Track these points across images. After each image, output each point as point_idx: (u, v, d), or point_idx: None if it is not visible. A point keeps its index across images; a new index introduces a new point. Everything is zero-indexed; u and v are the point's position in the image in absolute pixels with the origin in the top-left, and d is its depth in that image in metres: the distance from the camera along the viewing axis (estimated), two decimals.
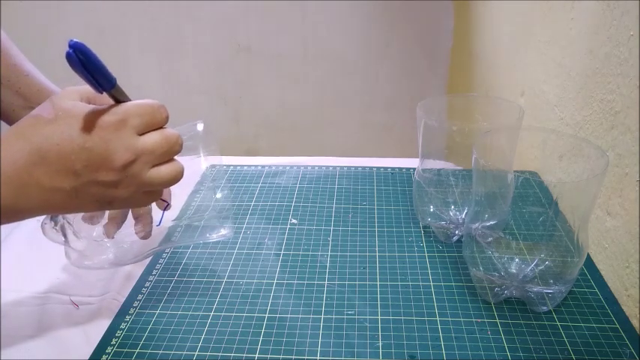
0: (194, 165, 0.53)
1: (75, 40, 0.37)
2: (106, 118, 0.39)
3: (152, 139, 0.40)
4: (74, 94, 0.41)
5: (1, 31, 0.59)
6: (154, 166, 0.41)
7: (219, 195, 0.57)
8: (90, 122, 0.38)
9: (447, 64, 1.58)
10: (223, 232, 0.55)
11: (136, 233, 0.54)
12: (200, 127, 0.52)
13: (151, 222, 0.54)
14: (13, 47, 0.59)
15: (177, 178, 0.42)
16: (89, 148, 0.38)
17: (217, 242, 0.61)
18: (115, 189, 0.40)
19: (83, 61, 0.37)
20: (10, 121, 0.59)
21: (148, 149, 0.40)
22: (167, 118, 0.42)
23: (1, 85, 0.57)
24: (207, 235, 0.56)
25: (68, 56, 0.36)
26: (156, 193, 0.44)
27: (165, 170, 0.41)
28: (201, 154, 0.53)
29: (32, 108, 0.56)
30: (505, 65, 1.00)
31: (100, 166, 0.38)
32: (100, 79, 0.38)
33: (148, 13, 1.56)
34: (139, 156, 0.39)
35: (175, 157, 0.43)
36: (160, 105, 0.41)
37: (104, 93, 0.39)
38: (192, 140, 0.51)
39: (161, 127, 0.41)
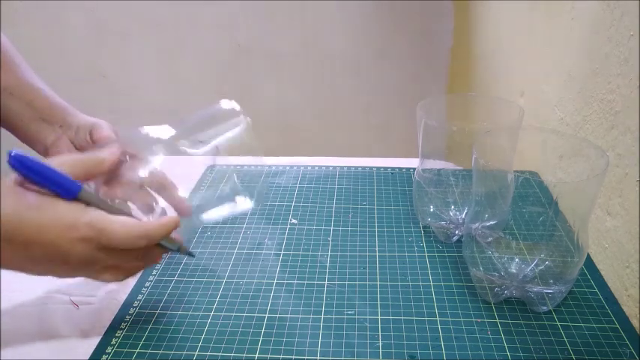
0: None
1: (15, 151, 0.38)
2: (82, 226, 0.40)
3: (115, 255, 0.43)
4: (64, 166, 0.42)
5: (7, 41, 0.59)
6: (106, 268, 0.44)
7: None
8: (67, 221, 0.40)
9: (447, 64, 1.58)
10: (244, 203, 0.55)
11: None
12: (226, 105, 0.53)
13: None
14: (20, 59, 0.59)
15: (120, 280, 0.46)
16: (57, 246, 0.40)
17: (217, 242, 0.61)
18: (65, 276, 0.44)
19: (24, 174, 0.39)
20: (18, 132, 0.59)
21: (106, 261, 0.43)
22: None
23: (11, 96, 0.57)
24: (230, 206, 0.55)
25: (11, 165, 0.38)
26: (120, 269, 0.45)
27: (117, 277, 0.45)
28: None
29: (43, 120, 0.58)
30: (505, 65, 1.00)
31: (58, 262, 0.41)
32: (54, 188, 0.40)
33: (147, 13, 1.56)
34: (93, 265, 0.42)
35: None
36: (140, 236, 0.42)
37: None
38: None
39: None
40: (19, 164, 0.39)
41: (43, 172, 0.39)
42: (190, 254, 0.50)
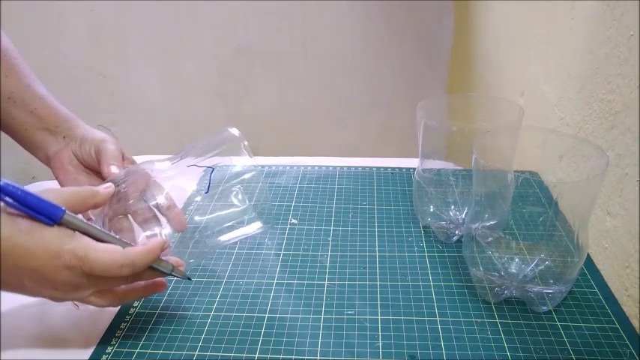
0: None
1: (3, 181, 0.38)
2: (66, 254, 0.40)
3: (101, 280, 0.43)
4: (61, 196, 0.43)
5: (13, 47, 0.58)
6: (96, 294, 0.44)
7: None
8: (52, 249, 0.40)
9: (447, 64, 1.58)
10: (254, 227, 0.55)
11: None
12: (234, 132, 0.53)
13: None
14: (25, 66, 0.59)
15: (114, 304, 0.46)
16: (42, 273, 0.40)
17: None
18: (55, 298, 0.44)
19: (6, 202, 0.39)
20: (21, 140, 0.58)
21: (92, 286, 0.43)
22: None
23: (14, 104, 0.57)
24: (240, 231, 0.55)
25: None
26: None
27: (104, 301, 0.45)
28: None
29: (46, 129, 0.57)
30: (505, 65, 1.00)
31: (46, 286, 0.41)
32: (35, 215, 0.40)
33: (148, 13, 1.56)
34: (80, 291, 0.43)
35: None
36: (124, 264, 0.42)
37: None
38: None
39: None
40: (4, 192, 0.39)
41: (24, 199, 0.39)
42: (187, 278, 0.49)
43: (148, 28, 1.58)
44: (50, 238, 0.40)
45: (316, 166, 0.79)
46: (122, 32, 1.59)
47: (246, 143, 0.53)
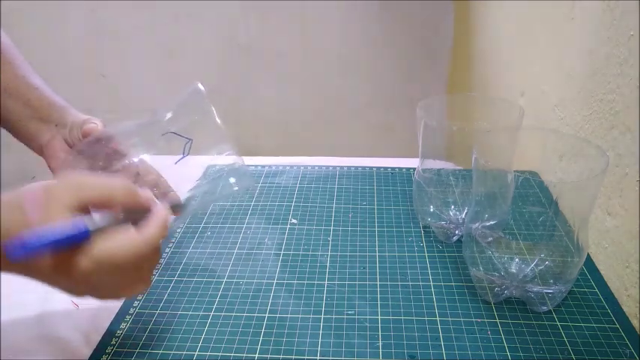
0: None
1: (9, 245, 0.34)
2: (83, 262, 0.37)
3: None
4: (71, 199, 0.38)
5: (9, 41, 0.59)
6: None
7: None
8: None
9: (447, 64, 1.58)
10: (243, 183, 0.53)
11: None
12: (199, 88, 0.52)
13: None
14: (21, 58, 0.59)
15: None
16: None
17: (217, 242, 0.61)
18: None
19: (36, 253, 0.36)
20: (16, 131, 0.59)
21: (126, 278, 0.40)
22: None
23: (9, 96, 0.57)
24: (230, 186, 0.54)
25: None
26: None
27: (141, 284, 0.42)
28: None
29: (41, 120, 0.57)
30: (505, 65, 1.00)
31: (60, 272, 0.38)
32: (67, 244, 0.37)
33: (148, 13, 1.56)
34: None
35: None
36: (146, 246, 0.39)
37: None
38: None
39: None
40: (23, 251, 0.35)
41: (50, 239, 0.36)
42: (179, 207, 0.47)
43: (148, 28, 1.58)
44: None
45: (316, 166, 0.79)
46: (122, 32, 1.59)
47: (207, 101, 0.52)
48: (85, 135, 0.56)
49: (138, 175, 0.53)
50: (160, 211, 0.42)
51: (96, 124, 0.56)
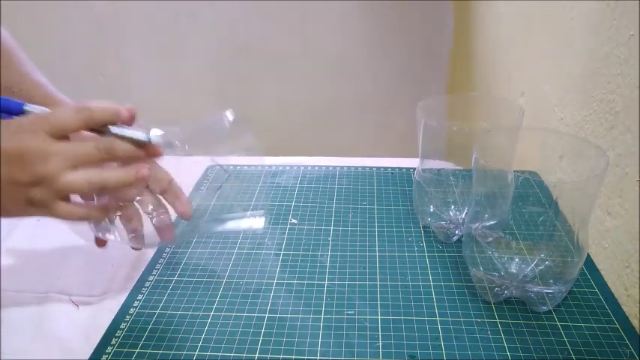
0: (194, 164, 0.53)
1: None
2: (25, 121, 0.41)
3: (68, 142, 0.41)
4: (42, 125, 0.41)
5: (11, 39, 0.59)
6: (70, 169, 0.41)
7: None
8: (13, 126, 0.40)
9: (447, 64, 1.58)
10: (255, 222, 0.54)
11: (129, 238, 0.52)
12: (229, 117, 0.52)
13: (141, 226, 0.52)
14: (24, 56, 0.59)
15: (93, 184, 0.42)
16: (5, 149, 0.40)
17: (217, 242, 0.61)
18: (30, 188, 0.40)
19: None
20: None
21: (61, 151, 0.41)
22: (104, 116, 0.43)
23: (13, 94, 0.57)
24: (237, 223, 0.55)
25: None
26: (82, 207, 0.44)
27: (79, 175, 0.41)
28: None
29: None
30: (505, 65, 1.00)
31: (13, 163, 0.40)
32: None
33: (148, 13, 1.56)
34: (49, 157, 0.40)
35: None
36: (78, 109, 0.42)
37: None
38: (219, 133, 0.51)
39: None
40: None
41: None
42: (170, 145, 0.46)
43: (148, 28, 1.58)
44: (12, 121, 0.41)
45: (316, 166, 0.79)
46: (122, 32, 1.59)
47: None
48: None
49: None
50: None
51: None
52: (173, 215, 0.53)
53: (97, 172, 0.42)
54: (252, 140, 0.52)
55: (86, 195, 0.48)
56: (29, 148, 0.40)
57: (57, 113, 0.41)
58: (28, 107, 0.42)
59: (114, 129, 0.44)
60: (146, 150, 0.45)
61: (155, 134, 0.44)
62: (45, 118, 0.41)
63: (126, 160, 0.45)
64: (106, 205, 0.46)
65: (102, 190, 0.44)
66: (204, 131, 0.52)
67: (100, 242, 0.52)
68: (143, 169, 0.44)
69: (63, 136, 0.41)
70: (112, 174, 0.43)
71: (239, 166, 0.79)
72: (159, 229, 0.52)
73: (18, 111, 0.42)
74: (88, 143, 0.42)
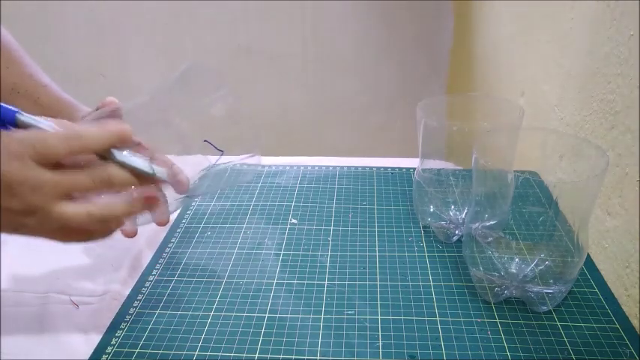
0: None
1: None
2: (12, 143, 0.36)
3: (59, 172, 0.38)
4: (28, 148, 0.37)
5: (14, 40, 0.59)
6: (64, 199, 0.38)
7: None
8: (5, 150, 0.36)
9: (447, 64, 1.58)
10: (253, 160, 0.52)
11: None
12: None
13: (165, 205, 0.49)
14: (27, 57, 0.59)
15: (94, 217, 0.39)
16: None
17: (217, 242, 0.61)
18: (24, 217, 0.38)
19: None
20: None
21: (50, 181, 0.37)
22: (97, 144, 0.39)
23: (18, 95, 0.57)
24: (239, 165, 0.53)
25: None
26: (81, 232, 0.40)
27: (77, 208, 0.38)
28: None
29: (51, 117, 0.56)
30: (505, 65, 1.00)
31: (3, 191, 0.36)
32: None
33: (148, 13, 1.56)
34: (38, 187, 0.37)
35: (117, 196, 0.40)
36: (70, 137, 0.38)
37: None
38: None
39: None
40: None
41: None
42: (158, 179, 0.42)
43: (148, 28, 1.58)
44: (3, 138, 0.36)
45: (316, 166, 0.79)
46: (122, 32, 1.59)
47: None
48: (104, 105, 0.52)
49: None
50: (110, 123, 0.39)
51: (114, 99, 0.53)
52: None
53: (99, 205, 0.40)
54: (226, 89, 0.51)
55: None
56: (17, 178, 0.37)
57: (44, 139, 0.37)
58: (24, 117, 0.38)
59: (117, 155, 0.40)
60: (147, 182, 0.42)
61: (159, 171, 0.42)
62: (31, 144, 0.37)
63: (124, 190, 0.42)
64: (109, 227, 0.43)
65: (104, 222, 0.41)
66: (171, 89, 0.50)
67: (129, 233, 0.49)
68: (152, 198, 0.42)
69: (53, 163, 0.38)
70: (117, 207, 0.41)
71: (238, 164, 0.79)
72: (158, 223, 0.51)
73: (10, 120, 0.38)
74: (81, 173, 0.39)
